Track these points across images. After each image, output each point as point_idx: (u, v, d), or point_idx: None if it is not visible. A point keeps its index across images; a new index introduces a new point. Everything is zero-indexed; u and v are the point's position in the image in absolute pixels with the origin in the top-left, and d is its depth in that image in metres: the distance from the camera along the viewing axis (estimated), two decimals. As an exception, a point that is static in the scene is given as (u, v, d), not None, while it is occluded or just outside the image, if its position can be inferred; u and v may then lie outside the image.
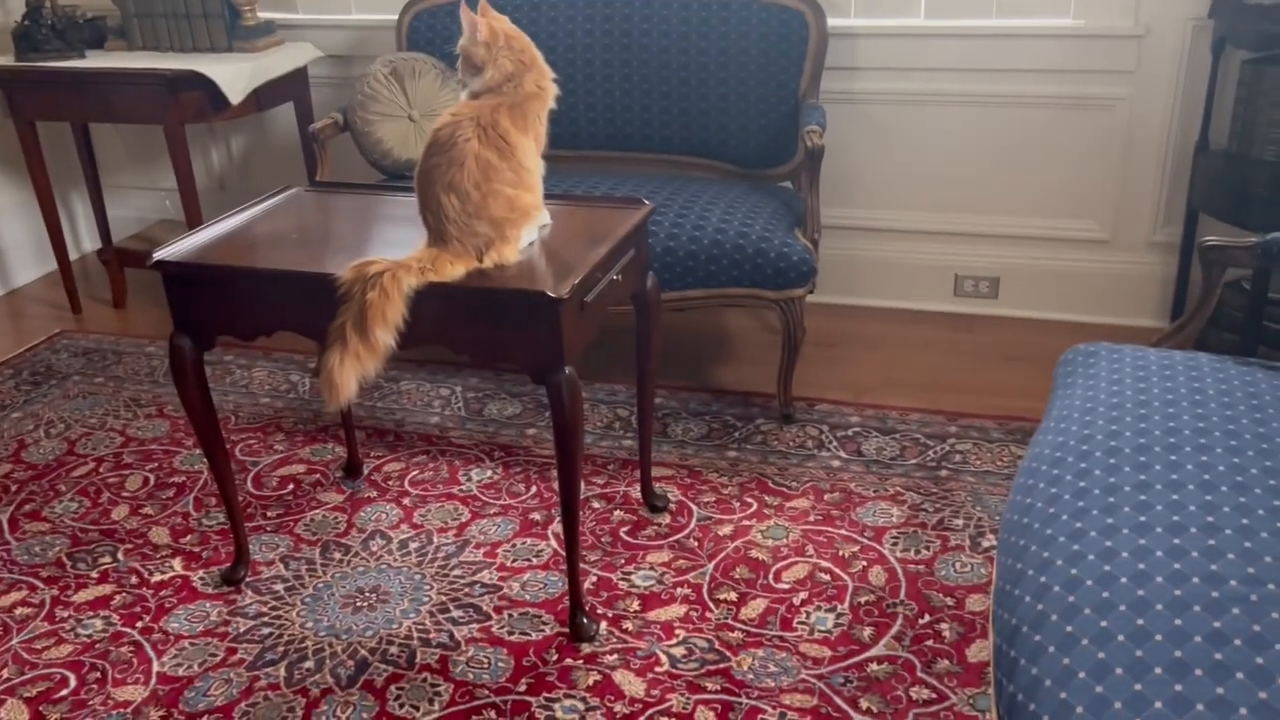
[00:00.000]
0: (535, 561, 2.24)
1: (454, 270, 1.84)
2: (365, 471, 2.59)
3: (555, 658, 1.98)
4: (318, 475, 2.59)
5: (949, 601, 2.08)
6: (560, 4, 3.09)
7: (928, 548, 2.23)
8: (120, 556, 2.32)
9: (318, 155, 3.04)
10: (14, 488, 2.58)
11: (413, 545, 2.31)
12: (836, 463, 2.54)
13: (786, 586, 2.13)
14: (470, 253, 1.86)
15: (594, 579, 2.18)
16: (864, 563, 2.19)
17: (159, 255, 1.98)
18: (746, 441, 2.65)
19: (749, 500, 2.41)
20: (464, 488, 2.51)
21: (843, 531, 2.29)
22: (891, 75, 3.13)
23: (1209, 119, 2.89)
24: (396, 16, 3.28)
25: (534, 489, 2.49)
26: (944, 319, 3.32)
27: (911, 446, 2.60)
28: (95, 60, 3.29)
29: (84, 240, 4.11)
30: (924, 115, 3.16)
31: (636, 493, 2.45)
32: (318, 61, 3.50)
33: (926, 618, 2.04)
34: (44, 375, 3.14)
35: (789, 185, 3.05)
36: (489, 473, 2.57)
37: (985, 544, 2.23)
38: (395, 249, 1.89)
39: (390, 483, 2.54)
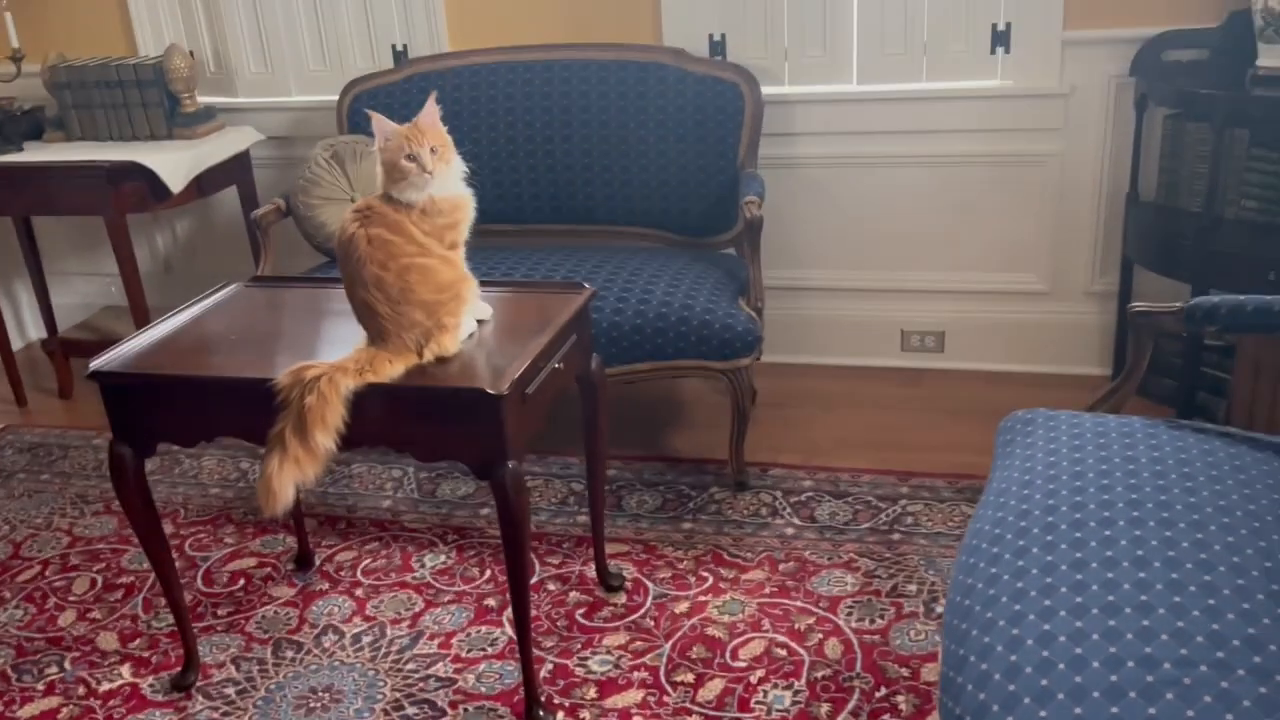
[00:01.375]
0: (490, 650, 2.23)
1: (393, 369, 1.84)
2: (317, 562, 2.57)
3: (512, 753, 1.96)
4: (269, 568, 2.56)
5: (904, 672, 2.08)
6: (500, 81, 3.12)
7: (882, 616, 2.24)
8: (67, 665, 2.27)
9: (260, 241, 3.04)
10: (-43, 597, 2.53)
11: (365, 639, 2.29)
12: (790, 530, 2.55)
13: (744, 664, 2.13)
14: (410, 347, 1.86)
15: (550, 666, 2.16)
16: (820, 635, 2.20)
17: (95, 365, 1.96)
18: (701, 511, 2.65)
19: (704, 574, 2.41)
20: (417, 574, 2.49)
21: (798, 603, 2.30)
22: (829, 139, 3.18)
23: (1137, 172, 2.96)
24: (337, 98, 3.29)
25: (488, 572, 2.48)
26: (892, 374, 3.35)
27: (864, 510, 2.61)
28: (33, 153, 3.28)
29: (29, 329, 4.07)
30: (863, 176, 3.21)
31: (592, 572, 2.44)
32: (261, 144, 3.50)
33: (883, 690, 2.04)
34: (-11, 474, 3.09)
35: (731, 252, 3.08)
36: (442, 557, 2.55)
37: (938, 610, 2.24)
38: (338, 347, 1.89)
39: (342, 573, 2.52)
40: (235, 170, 3.44)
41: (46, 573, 2.60)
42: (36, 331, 4.05)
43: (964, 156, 3.12)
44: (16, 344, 3.96)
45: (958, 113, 3.08)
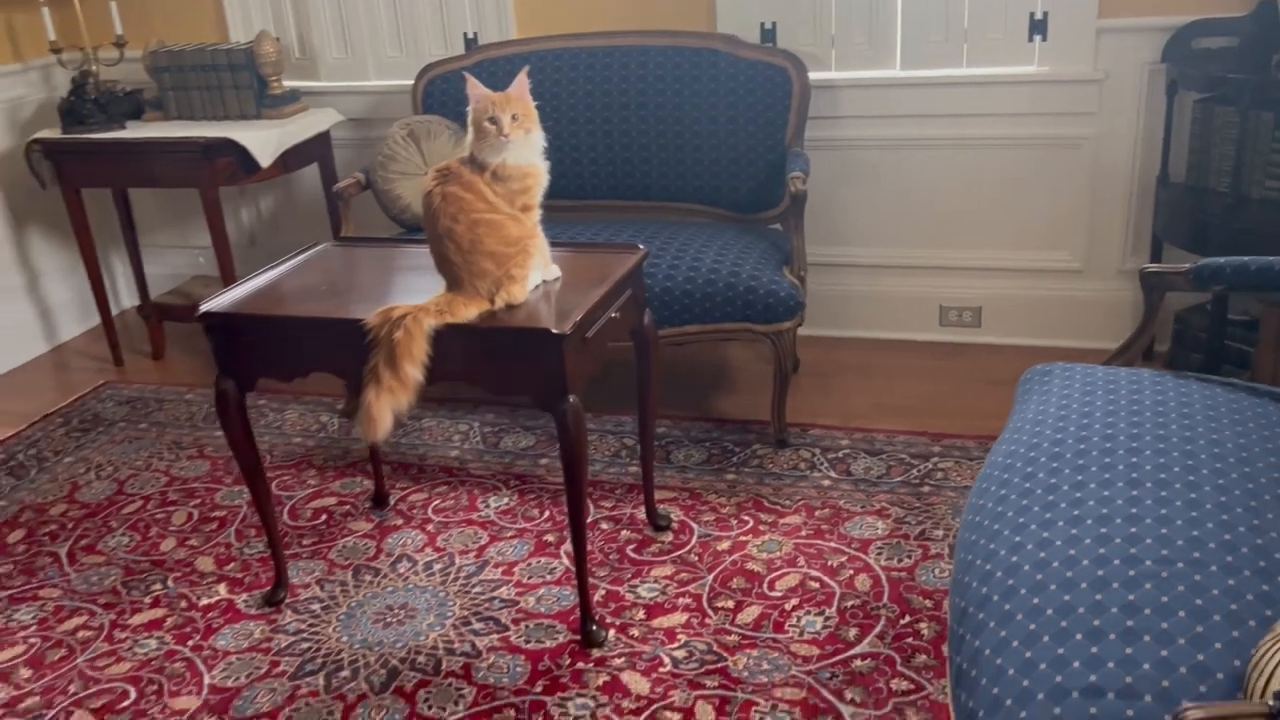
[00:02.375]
0: (549, 578, 2.45)
1: (467, 312, 2.06)
2: (392, 502, 2.81)
3: (568, 662, 2.17)
4: (348, 506, 2.81)
5: (928, 604, 2.27)
6: (564, 66, 3.34)
7: (909, 556, 2.42)
8: (170, 584, 2.53)
9: (341, 212, 3.29)
10: (70, 525, 2.80)
11: (436, 567, 2.52)
12: (827, 482, 2.74)
13: (779, 594, 2.33)
14: (482, 295, 2.08)
15: (603, 592, 2.38)
16: (851, 571, 2.39)
17: (205, 307, 2.21)
18: (744, 465, 2.85)
19: (745, 518, 2.61)
20: (482, 514, 2.72)
21: (832, 544, 2.49)
22: (872, 122, 3.37)
23: (1168, 154, 3.10)
24: (412, 82, 3.54)
25: (547, 513, 2.70)
26: (930, 348, 3.52)
27: (897, 466, 2.80)
28: (135, 130, 3.57)
29: (123, 297, 4.37)
30: (905, 158, 3.39)
31: (642, 514, 2.65)
32: (340, 125, 3.76)
33: (907, 619, 2.23)
34: (91, 423, 3.38)
35: (778, 227, 3.28)
36: (505, 500, 2.77)
37: (962, 551, 2.42)
38: (416, 296, 2.12)
39: (415, 511, 2.76)
40: (317, 149, 3.70)
41: (148, 506, 2.87)
42: (129, 300, 4.36)
43: (1002, 139, 3.28)
44: (113, 310, 4.27)
45: (996, 97, 3.24)
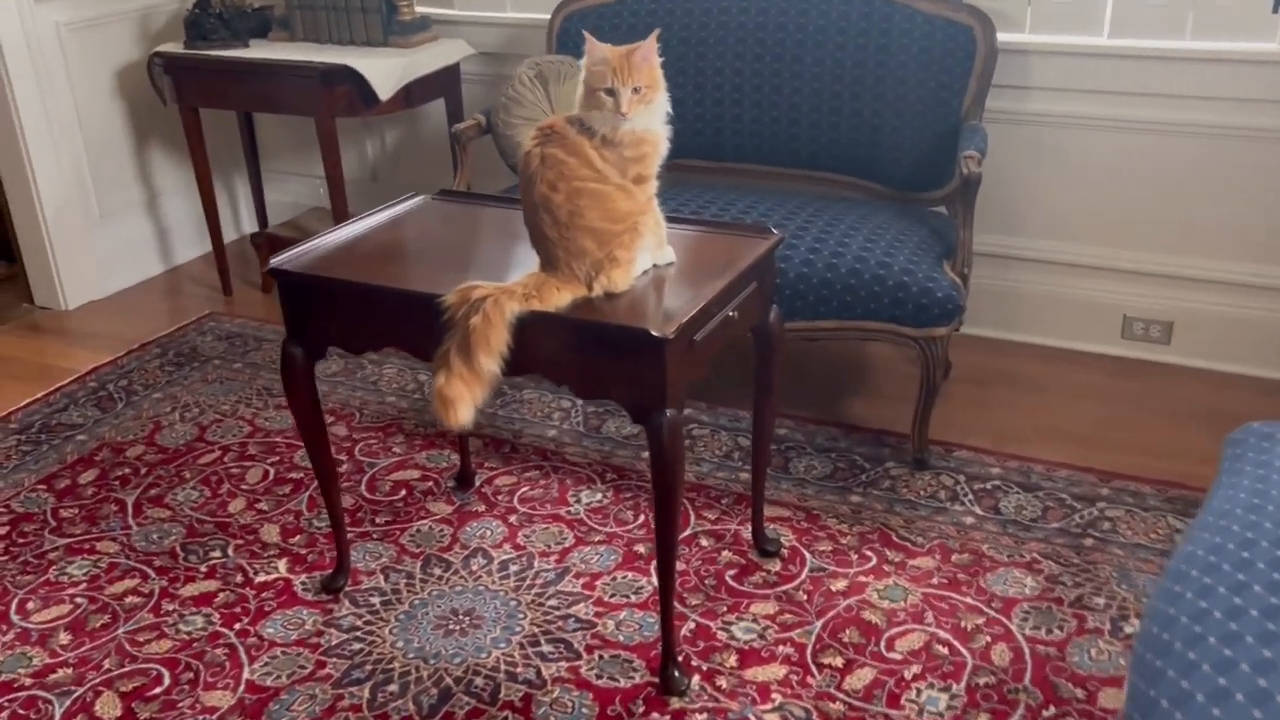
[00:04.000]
0: (634, 599, 2.15)
1: (559, 298, 1.75)
2: (477, 483, 2.55)
3: (641, 710, 1.88)
4: (430, 483, 2.57)
5: (1079, 694, 1.88)
6: (714, 8, 2.97)
7: (1061, 627, 2.03)
8: (230, 552, 2.34)
9: (458, 156, 3.02)
10: (143, 470, 2.65)
11: (513, 568, 2.25)
12: (969, 519, 2.35)
13: (899, 657, 1.97)
14: (579, 278, 1.77)
15: (692, 625, 2.07)
16: (987, 638, 2.01)
17: (275, 262, 1.96)
18: (873, 486, 2.48)
19: (868, 553, 2.25)
20: (572, 509, 2.44)
21: (968, 599, 2.11)
22: (1067, 97, 2.89)
23: None
24: (549, 16, 3.22)
25: (641, 518, 2.40)
26: (1108, 363, 3.05)
27: (1055, 508, 2.38)
28: (256, 50, 3.36)
29: (244, 222, 4.24)
30: (1101, 141, 2.90)
31: (748, 532, 2.32)
32: (471, 58, 3.48)
33: (1051, 709, 1.85)
34: (188, 357, 3.23)
35: (942, 211, 2.85)
36: (599, 495, 2.48)
37: (1127, 631, 2.01)
38: (515, 270, 1.83)
39: (500, 497, 2.49)
40: (444, 83, 3.43)
41: (225, 459, 2.69)
42: (250, 225, 4.22)
43: (1221, 128, 2.77)
44: (231, 235, 4.14)
45: (1223, 78, 2.72)
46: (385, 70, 3.19)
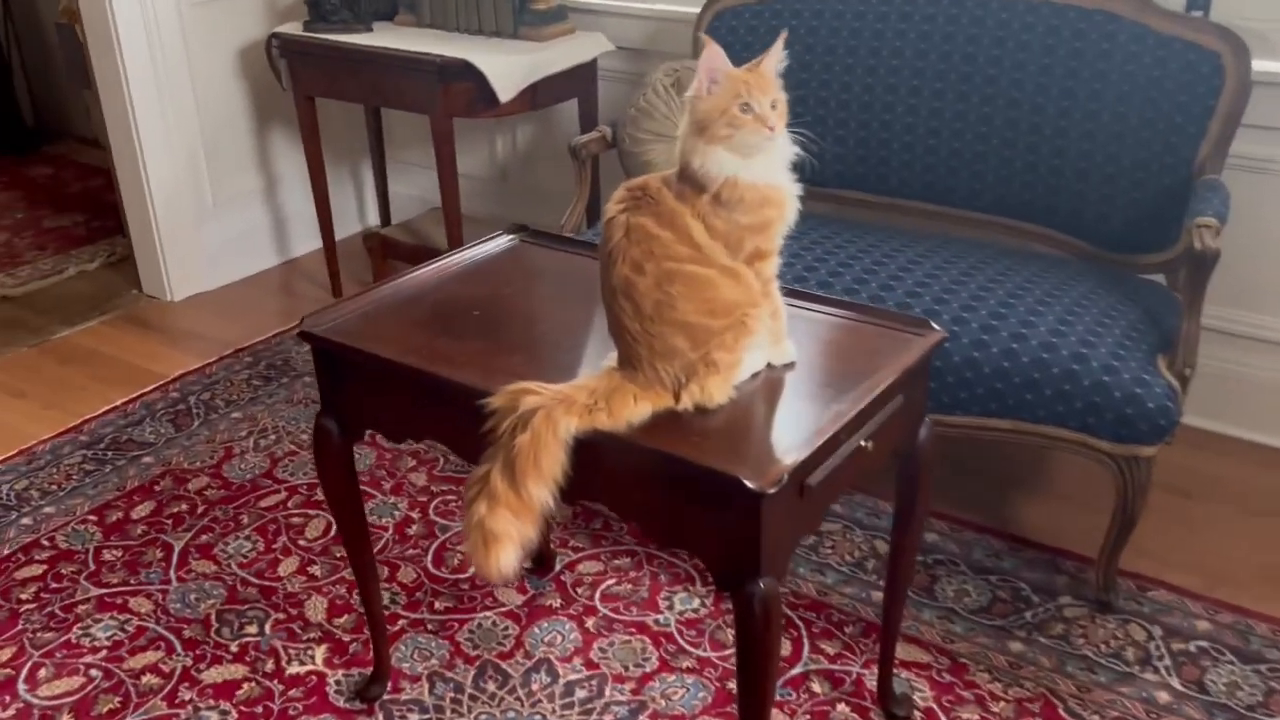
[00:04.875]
0: (718, 762, 1.73)
1: (634, 411, 1.34)
2: (557, 567, 2.17)
3: None
4: (504, 562, 2.20)
5: None
6: (891, 13, 2.47)
7: None
8: (267, 629, 2.04)
9: (578, 172, 2.63)
10: (200, 508, 2.38)
11: (579, 693, 1.86)
12: (1164, 695, 1.83)
13: None
14: (664, 384, 1.36)
15: (786, 812, 1.64)
16: None
17: (307, 325, 1.62)
18: (1041, 630, 1.98)
19: (1025, 731, 1.77)
20: (662, 618, 2.03)
21: (1154, 821, 1.61)
22: (1338, 143, 2.27)
23: None
24: (698, 11, 2.78)
25: (744, 644, 1.97)
26: (1359, 479, 2.43)
27: (1282, 692, 1.83)
28: (375, 36, 3.04)
29: (368, 213, 3.98)
30: (1379, 202, 2.28)
31: (872, 680, 1.87)
32: (610, 54, 3.07)
33: None
34: (279, 370, 2.96)
35: (1159, 280, 2.29)
36: (696, 602, 2.07)
37: None
38: (590, 354, 1.45)
39: (580, 590, 2.11)
40: (578, 81, 3.04)
41: (289, 504, 2.40)
42: (373, 218, 3.96)
43: None
44: (353, 228, 3.89)
45: None
46: (508, 68, 2.82)
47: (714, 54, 1.35)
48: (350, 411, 1.64)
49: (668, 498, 1.33)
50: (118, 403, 2.80)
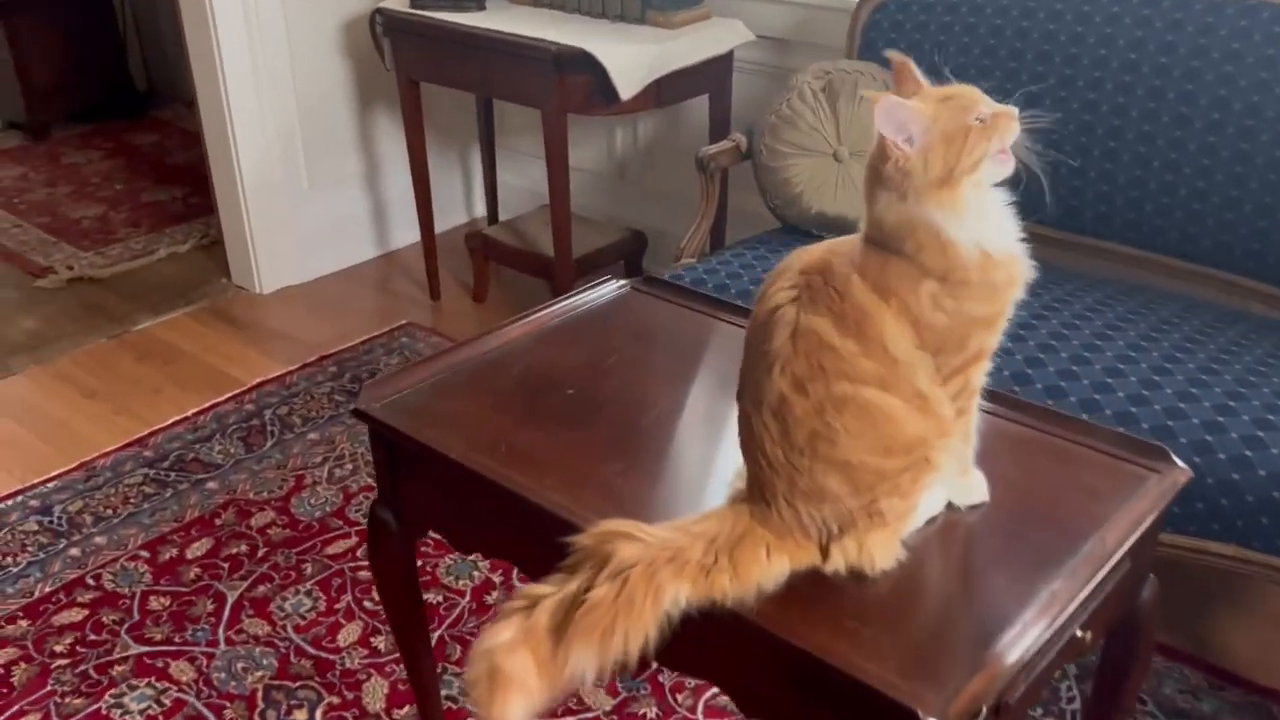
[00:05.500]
0: None
1: (766, 571, 1.01)
2: (653, 664, 1.84)
3: None
4: (594, 649, 1.88)
5: None
6: (1097, 12, 2.03)
7: None
8: (318, 716, 1.76)
9: (705, 187, 2.27)
10: (261, 552, 2.12)
11: (673, 843, 1.54)
12: None
13: None
14: (808, 534, 1.01)
15: None
16: None
17: (362, 400, 1.31)
18: (1253, 808, 1.58)
19: None
20: (777, 746, 1.69)
21: None
22: None
23: None
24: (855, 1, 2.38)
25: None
26: None
27: None
28: (486, 17, 2.71)
29: (474, 203, 3.69)
30: None
31: None
32: (749, 44, 2.69)
33: None
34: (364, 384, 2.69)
35: None
36: (820, 729, 1.72)
37: None
38: (715, 467, 1.10)
39: (681, 698, 1.78)
40: (710, 75, 2.67)
41: (357, 553, 2.12)
42: (480, 208, 3.67)
43: None
44: (459, 218, 3.61)
45: None
46: (632, 60, 2.46)
47: (894, 106, 0.98)
48: (412, 508, 1.33)
49: (806, 706, 0.99)
50: (189, 412, 2.57)
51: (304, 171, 3.19)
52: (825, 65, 2.19)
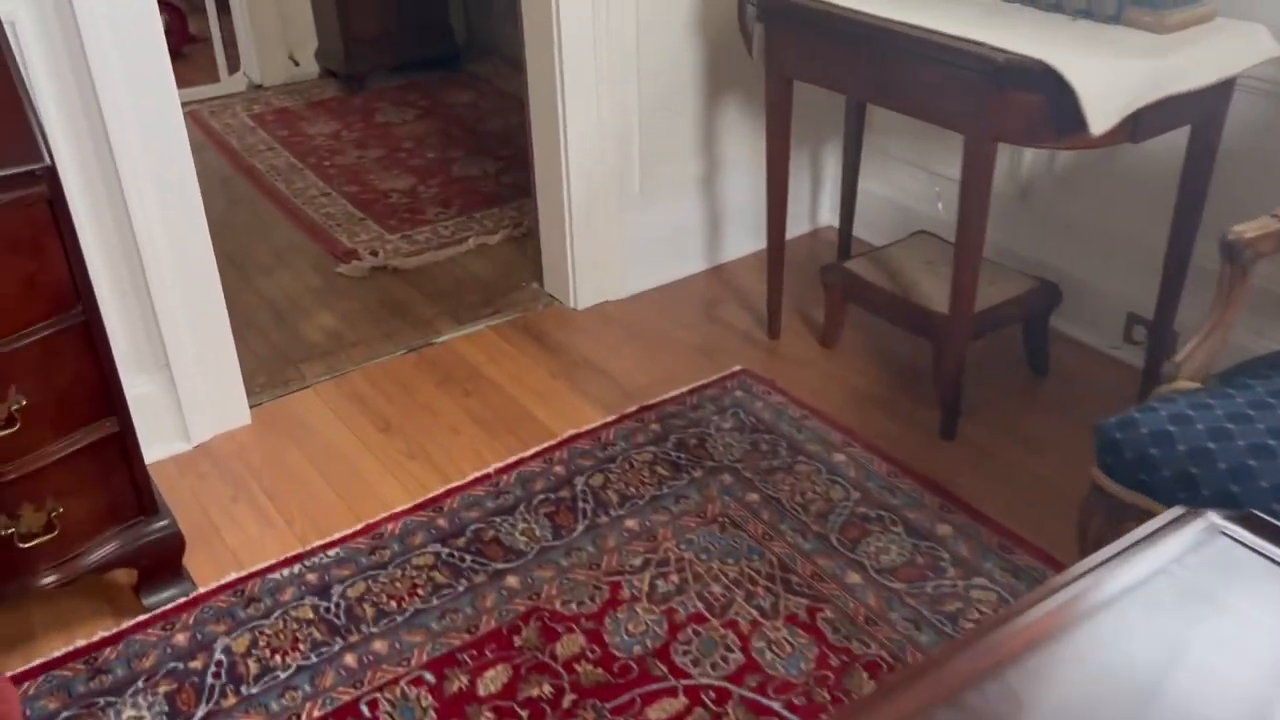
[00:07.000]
0: None
1: None
2: None
3: None
4: None
5: None
6: None
7: None
8: None
9: (1228, 278, 1.58)
10: (568, 701, 1.67)
11: None
12: None
13: None
14: None
15: None
16: None
17: None
18: None
19: None
20: None
21: None
22: None
23: None
24: None
25: None
26: None
27: None
28: (898, 6, 2.08)
29: (821, 211, 3.10)
30: None
31: None
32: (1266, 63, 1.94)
33: None
34: (691, 454, 2.19)
35: None
36: None
37: None
38: None
39: None
40: (1203, 98, 1.94)
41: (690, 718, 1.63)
42: (827, 217, 3.09)
43: None
44: (802, 228, 3.04)
45: None
46: (1110, 82, 1.78)
47: None
48: None
49: None
50: (491, 469, 2.17)
51: (637, 171, 2.71)
52: None
